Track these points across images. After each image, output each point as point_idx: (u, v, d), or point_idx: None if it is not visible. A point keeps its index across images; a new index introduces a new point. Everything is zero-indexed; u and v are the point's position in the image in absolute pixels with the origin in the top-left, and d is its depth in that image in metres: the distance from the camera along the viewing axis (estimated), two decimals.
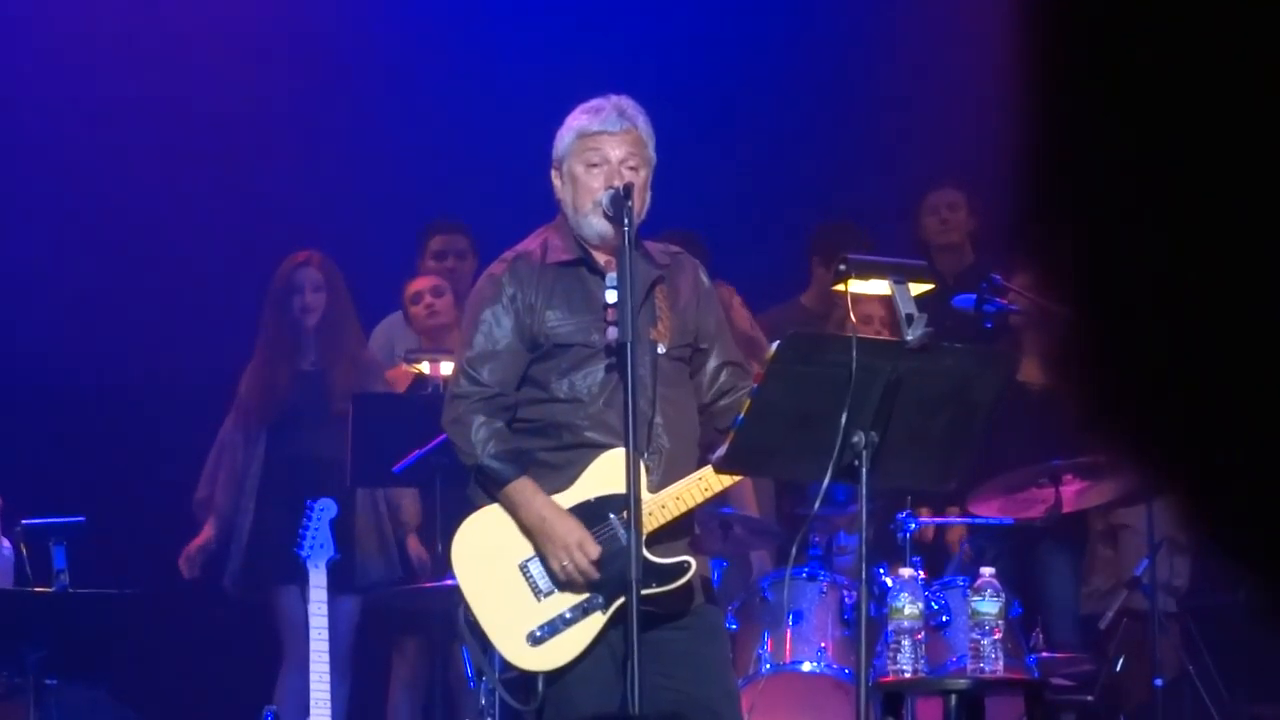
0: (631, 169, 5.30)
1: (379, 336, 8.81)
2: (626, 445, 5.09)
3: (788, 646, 7.02)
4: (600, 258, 5.35)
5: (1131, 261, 1.56)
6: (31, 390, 9.12)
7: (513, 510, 5.27)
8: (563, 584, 5.25)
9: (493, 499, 5.32)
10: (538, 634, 5.23)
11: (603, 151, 5.30)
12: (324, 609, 7.05)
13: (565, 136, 5.37)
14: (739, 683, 6.80)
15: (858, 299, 5.20)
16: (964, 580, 6.84)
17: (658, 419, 5.26)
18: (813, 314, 8.88)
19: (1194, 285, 1.53)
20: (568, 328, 5.31)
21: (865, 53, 9.80)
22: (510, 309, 5.32)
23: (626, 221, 5.16)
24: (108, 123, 9.43)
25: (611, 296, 5.23)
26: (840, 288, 5.04)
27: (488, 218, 8.83)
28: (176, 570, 8.51)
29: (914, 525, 7.19)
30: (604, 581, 5.23)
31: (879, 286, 5.04)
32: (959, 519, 7.67)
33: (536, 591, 5.26)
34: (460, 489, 6.95)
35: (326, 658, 7.04)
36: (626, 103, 5.39)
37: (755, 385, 4.92)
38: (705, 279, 5.56)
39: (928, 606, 6.39)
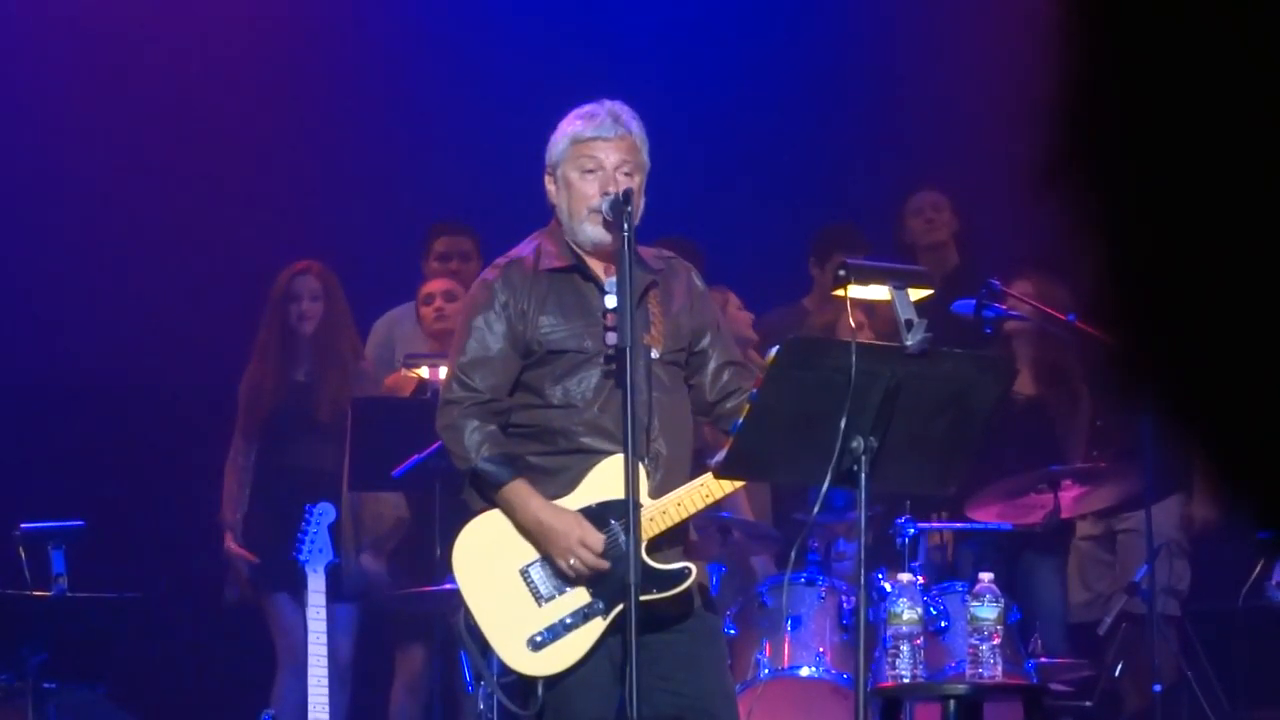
0: (626, 175, 5.29)
1: (380, 330, 8.82)
2: (625, 451, 5.09)
3: (786, 651, 7.02)
4: (594, 264, 5.35)
5: (1163, 213, 1.56)
6: (30, 394, 9.12)
7: (509, 513, 5.27)
8: (566, 587, 5.26)
9: (488, 503, 5.31)
10: (538, 639, 5.23)
11: (597, 157, 5.30)
12: (323, 613, 7.05)
13: (559, 142, 5.37)
14: (737, 687, 6.82)
15: (841, 307, 5.20)
16: (963, 585, 6.85)
17: (654, 424, 5.27)
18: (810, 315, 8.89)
19: (1225, 236, 1.53)
20: (561, 333, 5.31)
21: (862, 54, 9.80)
22: (503, 315, 5.33)
23: (626, 227, 5.15)
24: (108, 125, 9.43)
25: (611, 302, 5.24)
26: (840, 293, 5.04)
27: (490, 219, 8.84)
28: (175, 574, 8.52)
29: (912, 530, 7.19)
30: (604, 587, 5.23)
31: (878, 292, 5.04)
32: (955, 525, 7.67)
33: (537, 597, 5.27)
34: (458, 494, 6.97)
35: (325, 662, 7.04)
36: (620, 108, 5.38)
37: (754, 390, 4.92)
38: (699, 282, 5.55)
39: (926, 612, 6.39)
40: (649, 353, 5.30)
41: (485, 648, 5.29)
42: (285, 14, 9.73)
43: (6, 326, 9.13)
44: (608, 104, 5.38)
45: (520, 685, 5.28)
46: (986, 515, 7.68)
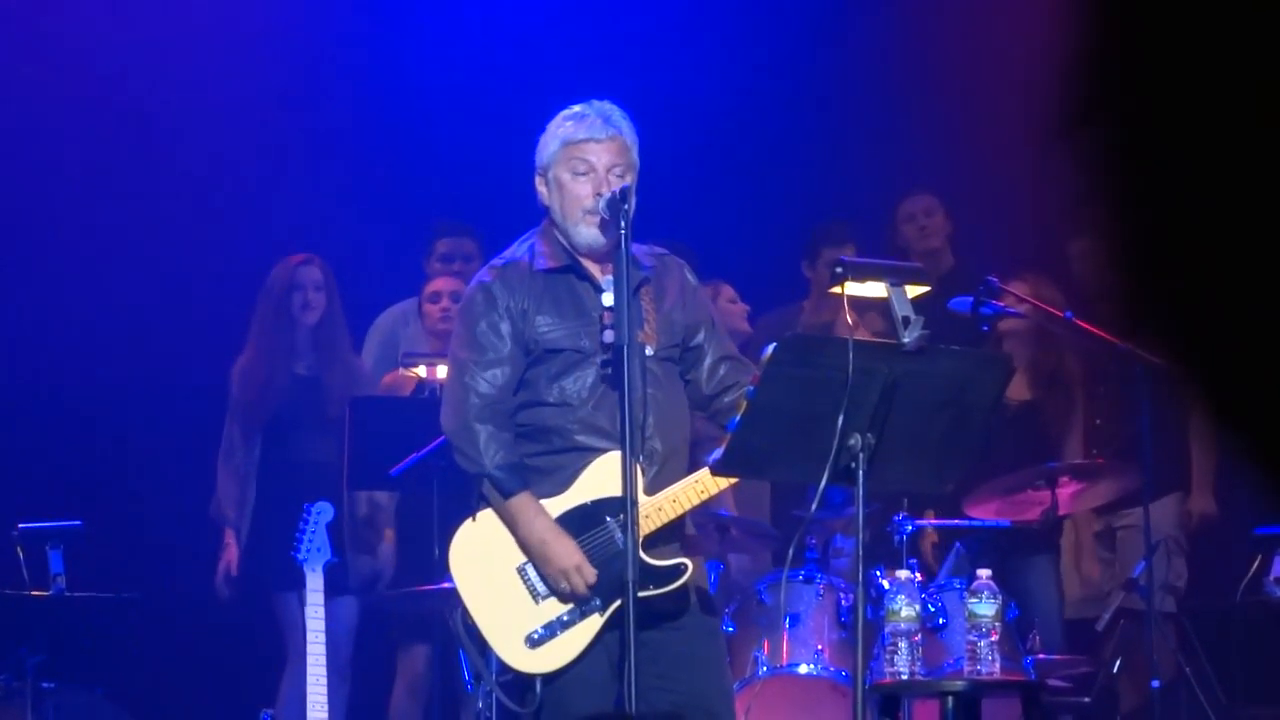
0: (618, 176, 5.31)
1: (383, 326, 8.80)
2: (623, 449, 5.11)
3: (784, 649, 7.02)
4: (588, 264, 5.37)
5: (1178, 167, 1.56)
6: (28, 394, 9.13)
7: (512, 525, 5.29)
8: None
9: (490, 506, 5.33)
10: (535, 636, 5.25)
11: (589, 160, 5.31)
12: (321, 612, 7.05)
13: (550, 144, 5.38)
14: (735, 685, 6.82)
15: (837, 306, 5.20)
16: (961, 582, 6.85)
17: (649, 421, 5.28)
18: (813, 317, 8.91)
19: (1238, 190, 1.53)
20: (558, 333, 5.33)
21: (859, 52, 9.81)
22: (505, 316, 5.35)
23: (623, 225, 5.16)
24: (107, 124, 9.43)
25: (608, 300, 5.26)
26: (837, 290, 5.04)
27: (490, 218, 8.84)
28: (173, 574, 8.51)
29: (910, 528, 7.20)
30: (602, 584, 5.25)
31: (875, 289, 5.04)
32: (951, 522, 7.67)
33: (534, 594, 5.29)
34: (457, 493, 6.96)
35: (324, 660, 7.04)
36: (611, 109, 5.39)
37: (752, 387, 4.92)
38: (691, 278, 5.56)
39: (924, 609, 6.39)
40: (643, 350, 5.31)
41: (483, 646, 5.30)
42: (285, 14, 9.73)
43: (4, 326, 9.13)
44: (597, 104, 5.39)
45: (518, 683, 5.30)
46: (984, 512, 7.68)
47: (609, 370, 5.24)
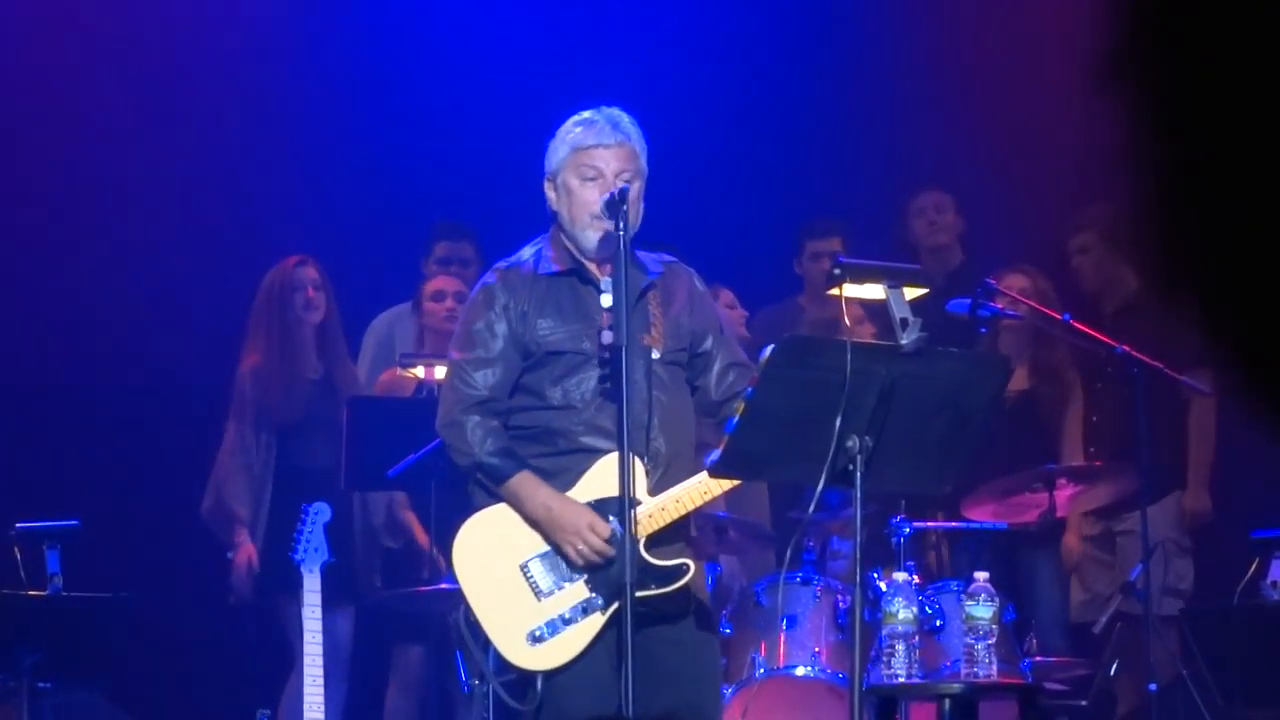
0: (626, 182, 5.34)
1: (379, 329, 8.79)
2: (620, 446, 5.15)
3: (781, 651, 7.02)
4: (593, 268, 5.41)
5: (1212, 125, 1.55)
6: (25, 393, 9.12)
7: (517, 505, 5.33)
8: (565, 582, 5.31)
9: (494, 497, 5.36)
10: (537, 634, 5.29)
11: (597, 165, 5.36)
12: (318, 613, 7.05)
13: (559, 150, 5.42)
14: (733, 687, 6.84)
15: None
16: (958, 585, 6.85)
17: (653, 423, 5.32)
18: (803, 312, 8.92)
19: (1270, 151, 1.53)
20: (559, 335, 5.36)
21: (859, 52, 9.81)
22: (503, 317, 5.39)
23: (621, 225, 5.21)
24: (105, 124, 9.43)
25: (607, 300, 5.28)
26: (835, 292, 5.04)
27: (488, 219, 8.85)
28: (170, 574, 8.50)
29: (908, 530, 7.19)
30: (603, 582, 5.28)
31: (873, 291, 5.04)
32: (949, 524, 7.67)
33: (537, 592, 5.32)
34: (455, 493, 6.95)
35: (321, 661, 7.04)
36: (619, 115, 5.44)
37: (750, 388, 4.93)
38: (700, 285, 5.61)
39: (922, 611, 6.39)
40: (649, 353, 5.37)
41: (485, 643, 5.33)
42: (283, 14, 9.73)
43: (0, 326, 9.13)
44: (606, 110, 5.44)
45: (519, 681, 5.33)
46: (981, 514, 7.68)
47: (612, 372, 5.27)
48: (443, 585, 7.31)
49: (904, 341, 4.86)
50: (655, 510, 5.28)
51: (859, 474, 4.88)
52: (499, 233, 8.75)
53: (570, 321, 5.37)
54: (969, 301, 7.57)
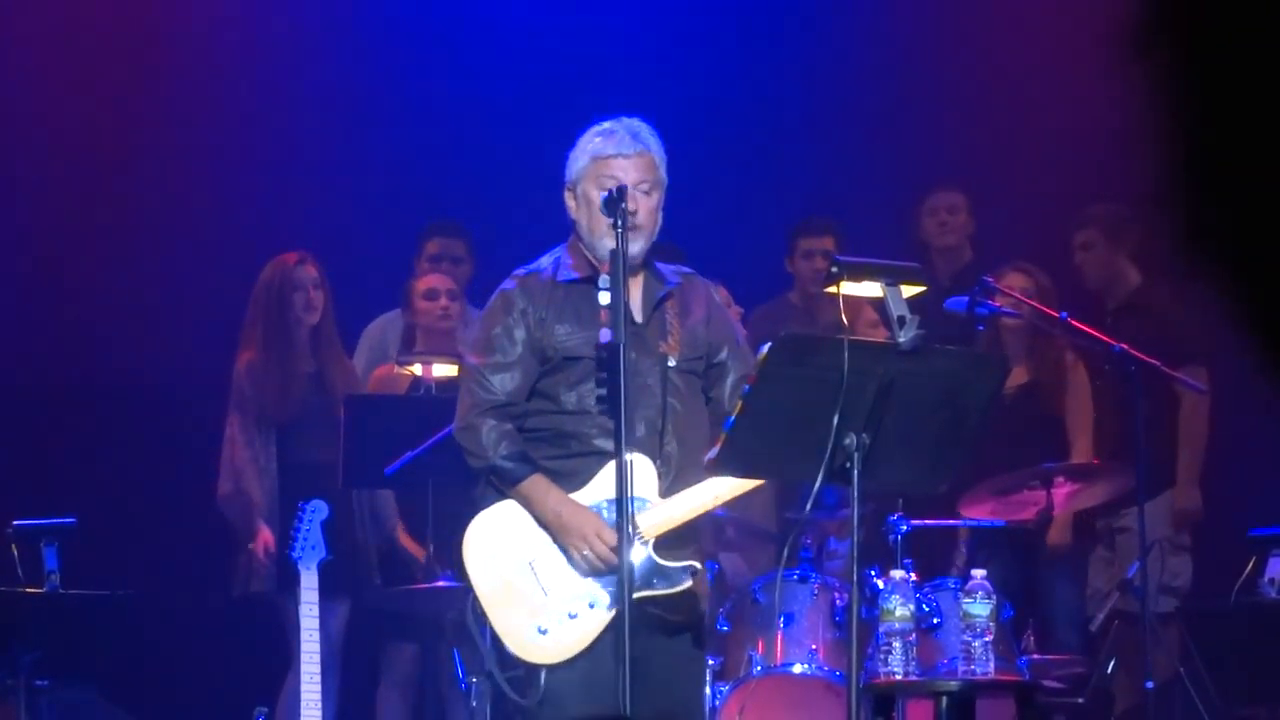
0: (644, 192, 5.43)
1: (373, 333, 8.78)
2: (616, 444, 5.19)
3: (779, 648, 7.02)
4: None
5: (1238, 100, 1.55)
6: (22, 391, 9.12)
7: (528, 507, 5.41)
8: (573, 579, 5.37)
9: (506, 499, 5.43)
10: (543, 628, 5.36)
11: (616, 175, 5.42)
12: (315, 610, 7.04)
13: (579, 159, 5.49)
14: (730, 685, 6.85)
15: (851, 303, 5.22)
16: (955, 582, 6.86)
17: (667, 428, 5.42)
18: (799, 309, 8.93)
19: None
20: (576, 341, 5.44)
21: (859, 51, 9.81)
22: (522, 322, 5.47)
23: (620, 223, 5.25)
24: (102, 122, 9.43)
25: (605, 299, 5.32)
26: (832, 290, 5.05)
27: (485, 221, 8.85)
28: (168, 571, 8.50)
29: (905, 528, 7.19)
30: (609, 580, 5.34)
31: (870, 289, 5.04)
32: (946, 522, 7.67)
33: (544, 588, 5.38)
34: (451, 491, 6.95)
35: (318, 659, 7.04)
36: (639, 125, 5.51)
37: (747, 386, 4.95)
38: (717, 297, 5.73)
39: (919, 608, 6.39)
40: (665, 360, 5.46)
41: (490, 637, 5.38)
42: (282, 13, 9.73)
43: None
44: (626, 121, 5.52)
45: (522, 676, 5.38)
46: (979, 512, 7.68)
47: (627, 376, 5.32)
48: (439, 583, 7.31)
49: (901, 339, 4.86)
50: (666, 513, 5.37)
51: (856, 472, 4.88)
52: (497, 233, 8.79)
53: (588, 327, 5.44)
54: (966, 300, 7.58)
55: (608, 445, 5.36)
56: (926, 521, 7.63)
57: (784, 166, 9.74)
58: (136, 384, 9.14)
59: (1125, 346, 7.42)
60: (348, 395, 7.93)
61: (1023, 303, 7.89)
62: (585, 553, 5.33)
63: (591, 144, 5.48)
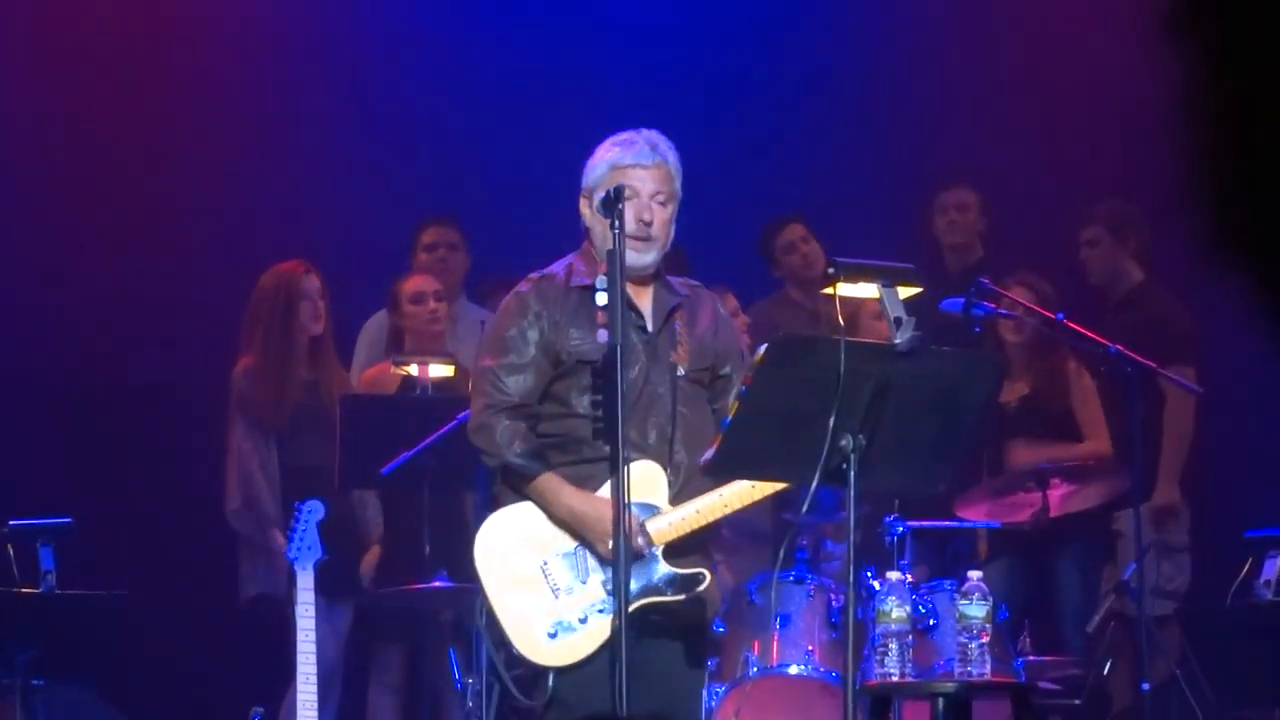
0: (660, 204, 5.48)
1: (371, 330, 8.77)
2: (615, 442, 5.21)
3: (775, 650, 7.02)
4: (626, 284, 5.44)
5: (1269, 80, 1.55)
6: (19, 391, 9.12)
7: (542, 505, 5.43)
8: (583, 582, 5.39)
9: (521, 497, 5.46)
10: (553, 631, 5.38)
11: (634, 184, 5.44)
12: (311, 611, 7.04)
13: (597, 168, 5.52)
14: (726, 686, 6.85)
15: (853, 302, 5.23)
16: (951, 584, 6.86)
17: (677, 435, 5.45)
18: (800, 306, 8.94)
19: None
20: (589, 345, 5.46)
21: (870, 48, 9.82)
22: (536, 325, 5.49)
23: (618, 224, 5.26)
24: (99, 123, 9.43)
25: (602, 299, 5.33)
26: (829, 291, 5.05)
27: (480, 221, 8.85)
28: (164, 571, 8.49)
29: (901, 529, 7.19)
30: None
31: (867, 290, 5.04)
32: (942, 523, 7.67)
33: (555, 590, 5.40)
34: (448, 491, 6.93)
35: (314, 660, 7.03)
36: (657, 137, 5.55)
37: (744, 387, 4.96)
38: (724, 310, 5.79)
39: (915, 610, 6.39)
40: (675, 369, 5.50)
41: (500, 638, 5.39)
42: (280, 13, 9.73)
43: None
44: (644, 132, 5.57)
45: (530, 677, 5.40)
46: (975, 513, 7.68)
47: (639, 382, 5.41)
48: (437, 583, 7.31)
49: (898, 340, 4.86)
50: (676, 520, 5.39)
51: (852, 473, 4.88)
52: (494, 234, 8.79)
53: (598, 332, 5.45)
54: (963, 301, 7.58)
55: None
56: (923, 523, 7.63)
57: (788, 165, 9.73)
58: (133, 385, 9.14)
59: (1121, 348, 7.41)
60: (343, 395, 7.93)
61: (1017, 304, 7.89)
62: (610, 544, 5.29)
63: (610, 153, 5.51)
